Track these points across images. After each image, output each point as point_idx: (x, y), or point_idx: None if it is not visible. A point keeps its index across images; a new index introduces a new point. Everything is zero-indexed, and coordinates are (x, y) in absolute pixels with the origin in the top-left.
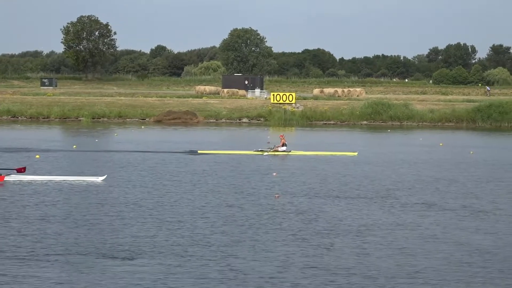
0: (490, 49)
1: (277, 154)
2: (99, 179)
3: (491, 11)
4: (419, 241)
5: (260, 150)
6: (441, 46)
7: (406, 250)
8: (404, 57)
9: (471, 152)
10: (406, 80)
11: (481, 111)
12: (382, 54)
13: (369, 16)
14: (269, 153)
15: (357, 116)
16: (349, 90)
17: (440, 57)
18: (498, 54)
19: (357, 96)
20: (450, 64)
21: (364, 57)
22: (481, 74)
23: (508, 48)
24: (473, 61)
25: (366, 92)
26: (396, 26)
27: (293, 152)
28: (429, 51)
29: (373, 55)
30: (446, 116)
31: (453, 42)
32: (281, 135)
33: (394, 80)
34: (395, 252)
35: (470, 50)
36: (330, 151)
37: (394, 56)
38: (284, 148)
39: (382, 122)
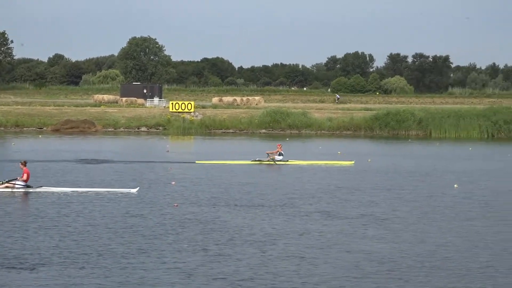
0: (388, 58)
1: (273, 164)
2: (132, 191)
3: (389, 20)
4: (321, 250)
5: (258, 160)
6: (339, 55)
7: (308, 259)
8: (303, 66)
9: (369, 160)
10: (305, 88)
11: (378, 119)
12: (281, 63)
13: (268, 25)
14: (266, 162)
15: (255, 125)
16: (248, 98)
17: (338, 65)
18: (396, 63)
19: (256, 104)
20: (348, 73)
21: (262, 65)
22: (379, 83)
23: (405, 57)
24: (371, 70)
25: (265, 101)
26: (294, 35)
27: (290, 162)
28: (327, 59)
29: (271, 63)
30: (344, 124)
31: (351, 51)
32: (279, 144)
33: (293, 88)
34: (297, 261)
35: (368, 58)
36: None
37: (293, 64)
38: (280, 157)
39: (280, 131)
